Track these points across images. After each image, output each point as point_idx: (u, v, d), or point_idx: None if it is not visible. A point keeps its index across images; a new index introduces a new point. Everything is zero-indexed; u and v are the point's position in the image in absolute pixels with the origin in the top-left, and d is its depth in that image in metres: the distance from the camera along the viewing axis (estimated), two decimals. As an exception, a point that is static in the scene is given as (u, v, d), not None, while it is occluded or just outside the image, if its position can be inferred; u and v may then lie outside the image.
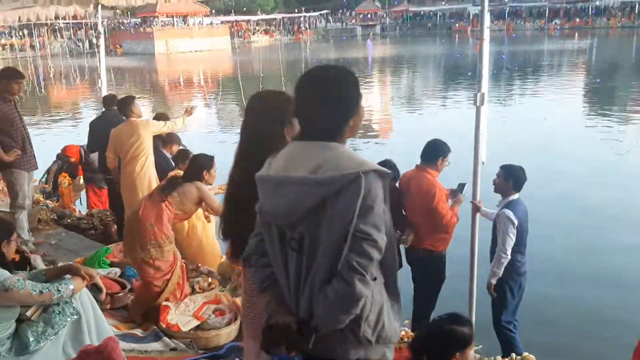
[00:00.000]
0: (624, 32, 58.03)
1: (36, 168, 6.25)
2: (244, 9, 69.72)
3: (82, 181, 8.47)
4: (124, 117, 6.27)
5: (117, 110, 6.48)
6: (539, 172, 8.70)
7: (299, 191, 1.79)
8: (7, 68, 6.07)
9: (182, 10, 57.84)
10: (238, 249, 2.40)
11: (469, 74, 25.15)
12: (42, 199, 7.92)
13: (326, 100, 1.86)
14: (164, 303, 4.47)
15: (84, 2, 7.12)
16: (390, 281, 1.91)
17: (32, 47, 45.43)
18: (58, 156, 8.41)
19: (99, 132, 6.76)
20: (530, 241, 4.60)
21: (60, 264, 4.52)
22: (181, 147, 6.64)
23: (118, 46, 56.43)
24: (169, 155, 6.55)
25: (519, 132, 13.96)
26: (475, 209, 4.48)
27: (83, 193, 8.68)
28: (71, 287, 3.12)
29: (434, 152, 4.81)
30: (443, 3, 74.01)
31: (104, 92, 8.22)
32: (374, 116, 18.46)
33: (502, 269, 4.46)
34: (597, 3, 68.09)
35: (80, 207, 8.52)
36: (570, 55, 37.78)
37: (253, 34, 71.97)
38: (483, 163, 5.01)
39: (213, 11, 65.54)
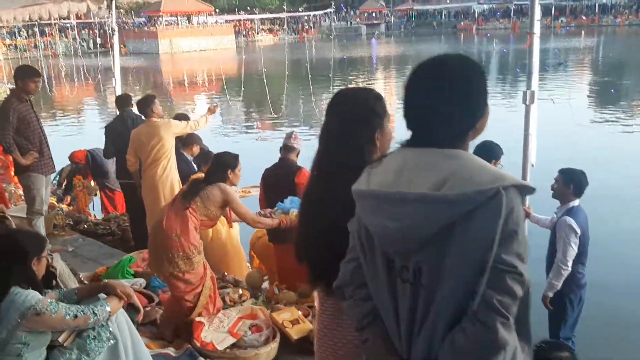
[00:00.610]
0: (632, 29, 57.54)
1: (54, 171, 5.98)
2: (248, 7, 69.33)
3: (93, 184, 8.17)
4: (143, 118, 5.98)
5: (137, 110, 6.20)
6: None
7: (419, 212, 1.43)
8: (23, 66, 5.77)
9: (186, 9, 57.56)
10: (317, 272, 2.08)
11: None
12: (56, 203, 7.61)
13: (450, 98, 1.50)
14: (197, 319, 4.15)
15: None
16: (522, 318, 1.56)
17: (36, 46, 45.17)
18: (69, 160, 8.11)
19: (116, 135, 6.44)
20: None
21: (88, 281, 4.20)
22: (202, 148, 6.33)
23: (122, 45, 56.12)
24: (190, 158, 6.25)
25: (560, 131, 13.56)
26: (525, 215, 4.14)
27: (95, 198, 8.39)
28: (108, 308, 2.80)
29: (486, 154, 4.47)
30: (448, 1, 73.54)
31: (118, 92, 7.90)
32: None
33: (562, 281, 4.13)
34: (604, 1, 67.64)
35: (93, 211, 8.21)
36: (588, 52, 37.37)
37: (257, 32, 71.65)
38: (532, 165, 4.70)
39: (217, 10, 65.21)
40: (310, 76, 20.66)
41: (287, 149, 5.21)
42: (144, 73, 32.09)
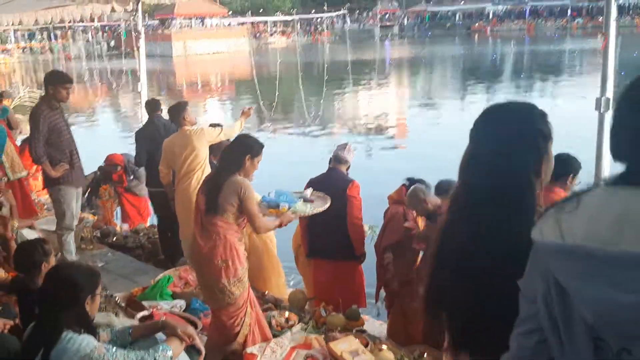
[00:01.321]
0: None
1: (85, 183, 5.66)
2: (261, 10, 69.10)
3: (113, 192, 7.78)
4: (175, 125, 5.64)
5: (168, 117, 5.85)
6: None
7: None
8: (55, 72, 5.48)
9: (200, 12, 57.45)
10: (462, 340, 1.71)
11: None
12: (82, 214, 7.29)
13: None
14: (248, 350, 3.80)
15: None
16: None
17: (51, 50, 45.24)
18: (100, 168, 7.72)
19: (149, 141, 6.09)
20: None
21: (142, 320, 3.85)
22: None
23: (135, 48, 56.13)
24: None
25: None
26: None
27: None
28: (169, 353, 2.45)
29: (564, 168, 4.06)
30: (462, 3, 72.96)
31: (144, 97, 7.57)
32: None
33: None
34: (621, 1, 66.78)
35: (117, 221, 7.88)
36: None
37: (270, 35, 71.48)
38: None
39: (230, 12, 65.10)
40: (325, 77, 20.40)
41: (338, 159, 4.92)
42: (158, 76, 31.81)
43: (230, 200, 3.63)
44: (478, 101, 19.55)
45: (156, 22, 59.40)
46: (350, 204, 4.73)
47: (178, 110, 5.52)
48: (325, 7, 50.66)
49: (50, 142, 5.13)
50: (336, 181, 4.79)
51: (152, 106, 6.39)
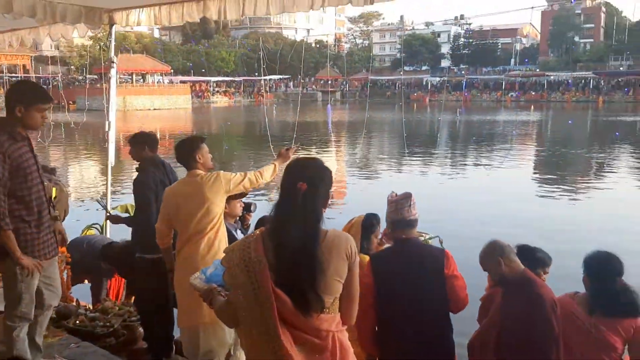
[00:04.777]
0: (579, 105, 60.12)
1: (57, 253, 3.81)
2: (203, 70, 69.23)
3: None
4: (184, 168, 3.99)
5: (176, 156, 4.02)
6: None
7: None
8: (27, 85, 3.69)
9: (141, 67, 56.98)
10: None
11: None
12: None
13: None
14: None
15: (95, 21, 5.71)
16: None
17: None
18: None
19: (160, 189, 4.25)
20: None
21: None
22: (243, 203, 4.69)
23: (71, 102, 54.72)
24: (234, 225, 4.53)
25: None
26: None
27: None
28: None
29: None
30: (401, 73, 75.55)
31: (112, 141, 6.23)
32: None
33: None
34: (552, 78, 70.97)
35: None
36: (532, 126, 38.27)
37: (212, 94, 71.56)
38: None
39: (173, 70, 64.92)
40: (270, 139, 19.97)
41: (406, 223, 3.21)
42: (93, 129, 30.48)
43: (341, 272, 2.18)
44: (415, 165, 19.54)
45: (95, 76, 58.51)
46: (451, 288, 3.15)
47: (191, 147, 3.90)
48: (264, 70, 51.08)
49: (14, 190, 3.39)
50: (420, 260, 3.16)
51: (152, 141, 4.54)
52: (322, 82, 79.28)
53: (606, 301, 3.15)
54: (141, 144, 4.44)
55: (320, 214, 2.13)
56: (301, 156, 2.31)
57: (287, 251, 2.06)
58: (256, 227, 3.96)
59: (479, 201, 12.97)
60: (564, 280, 3.84)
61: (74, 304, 5.10)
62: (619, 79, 68.83)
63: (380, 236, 3.71)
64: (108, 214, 5.39)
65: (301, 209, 2.08)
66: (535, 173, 18.33)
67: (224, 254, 2.22)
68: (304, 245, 2.06)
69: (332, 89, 76.76)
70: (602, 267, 3.19)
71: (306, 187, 2.09)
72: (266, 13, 4.66)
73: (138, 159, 4.44)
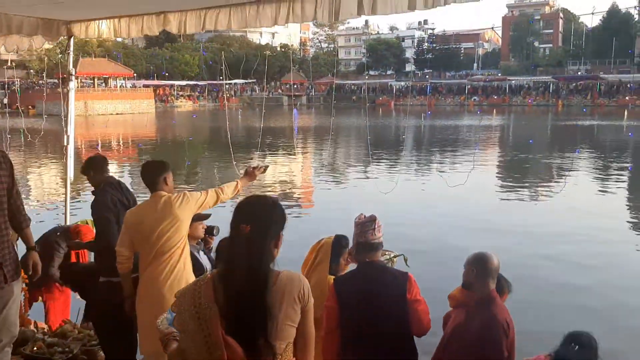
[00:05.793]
0: (539, 109, 61.48)
1: (17, 277, 3.50)
2: (166, 74, 68.38)
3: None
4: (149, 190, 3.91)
5: (142, 178, 3.98)
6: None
7: None
8: None
9: (104, 72, 56.04)
10: None
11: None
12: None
13: None
14: None
15: (53, 33, 5.54)
16: None
17: None
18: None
19: (121, 210, 4.18)
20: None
21: None
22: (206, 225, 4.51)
23: (30, 107, 53.40)
24: (197, 247, 4.41)
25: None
26: None
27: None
28: None
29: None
30: (366, 77, 76.10)
31: (71, 153, 6.08)
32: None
33: None
34: (513, 82, 72.54)
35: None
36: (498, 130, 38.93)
37: (176, 99, 70.81)
38: None
39: (135, 74, 63.98)
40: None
41: (370, 247, 3.16)
42: (52, 136, 29.45)
43: (293, 316, 2.08)
44: (382, 170, 19.66)
45: (55, 80, 57.27)
46: (414, 312, 3.09)
47: (159, 170, 3.88)
48: (229, 74, 50.79)
49: None
50: (382, 284, 3.09)
51: (103, 164, 4.47)
52: (287, 86, 79.25)
53: None
54: (87, 170, 4.35)
55: (268, 256, 2.01)
56: (252, 195, 2.15)
57: (235, 297, 1.97)
58: (216, 250, 3.85)
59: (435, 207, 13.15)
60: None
61: (32, 327, 4.86)
62: (577, 83, 70.72)
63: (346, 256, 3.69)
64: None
65: (245, 252, 1.97)
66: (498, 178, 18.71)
67: (174, 298, 2.12)
68: (251, 290, 1.96)
69: (298, 93, 76.83)
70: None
71: (249, 229, 1.98)
72: (227, 27, 4.62)
73: (94, 184, 4.35)
